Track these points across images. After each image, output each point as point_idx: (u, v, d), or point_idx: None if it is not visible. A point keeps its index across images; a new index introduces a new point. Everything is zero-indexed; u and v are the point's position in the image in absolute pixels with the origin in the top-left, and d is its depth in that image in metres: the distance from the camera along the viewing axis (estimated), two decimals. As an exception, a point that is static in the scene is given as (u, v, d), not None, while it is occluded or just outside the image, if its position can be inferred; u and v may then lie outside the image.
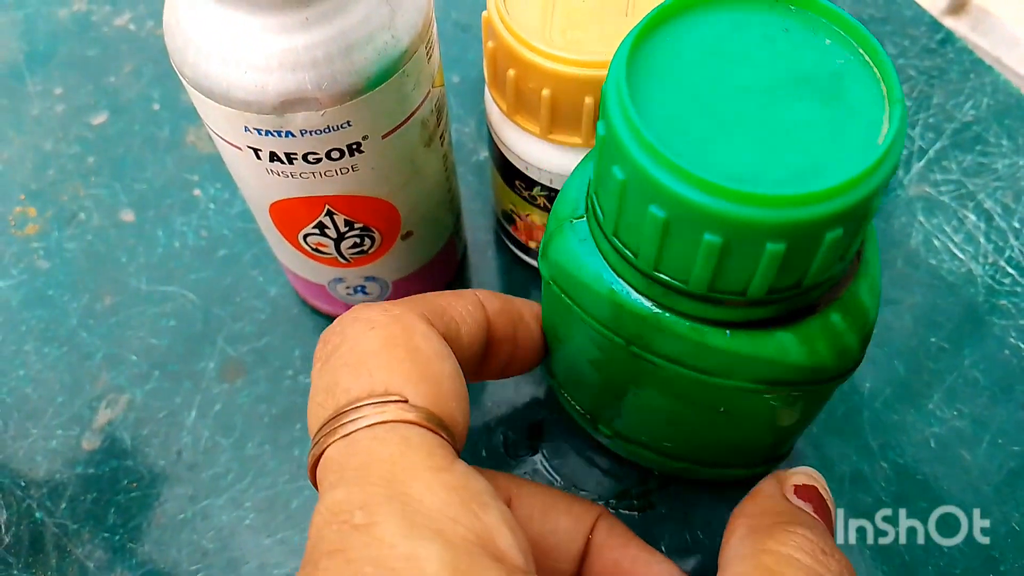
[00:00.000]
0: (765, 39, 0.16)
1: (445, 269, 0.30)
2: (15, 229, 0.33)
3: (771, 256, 0.15)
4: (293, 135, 0.20)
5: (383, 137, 0.22)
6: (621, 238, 0.17)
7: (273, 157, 0.21)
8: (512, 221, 0.30)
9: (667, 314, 0.17)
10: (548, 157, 0.25)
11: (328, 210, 0.24)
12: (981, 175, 0.33)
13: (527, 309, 0.23)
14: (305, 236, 0.25)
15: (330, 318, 0.30)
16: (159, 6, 0.21)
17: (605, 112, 0.16)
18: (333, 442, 0.16)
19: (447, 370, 0.18)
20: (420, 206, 0.26)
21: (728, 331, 0.17)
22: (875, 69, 0.16)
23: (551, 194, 0.26)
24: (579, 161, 0.25)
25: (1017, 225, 0.32)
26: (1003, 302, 0.30)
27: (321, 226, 0.24)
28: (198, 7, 0.19)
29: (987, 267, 0.31)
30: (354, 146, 0.21)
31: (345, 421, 0.17)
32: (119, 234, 0.33)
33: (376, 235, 0.25)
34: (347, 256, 0.26)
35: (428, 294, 0.20)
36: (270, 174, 0.22)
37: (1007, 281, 0.30)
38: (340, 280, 0.27)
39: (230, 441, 0.28)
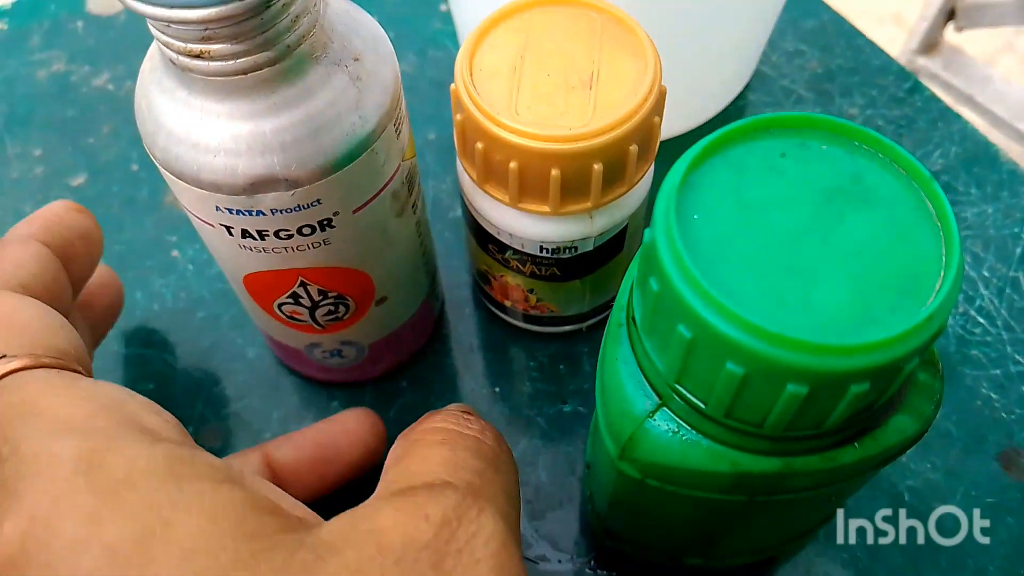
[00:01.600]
0: (814, 170, 0.16)
1: (422, 329, 0.30)
2: (-6, 293, 0.33)
3: (853, 396, 0.14)
4: (264, 214, 0.21)
5: (354, 212, 0.22)
6: (737, 416, 0.16)
7: (245, 234, 0.22)
8: (487, 281, 0.30)
9: (799, 459, 0.17)
10: (518, 224, 0.25)
11: (302, 281, 0.24)
12: (950, 224, 0.33)
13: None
14: (280, 305, 0.25)
15: (309, 380, 0.30)
16: (137, 65, 0.21)
17: (659, 269, 0.15)
18: None
19: (29, 315, 0.20)
20: (394, 273, 0.26)
21: (856, 443, 0.17)
22: (936, 219, 0.15)
23: (523, 257, 0.27)
24: (550, 231, 0.25)
25: (987, 274, 0.32)
26: (974, 352, 0.30)
27: (295, 296, 0.24)
28: (167, 93, 0.20)
29: (957, 317, 0.31)
30: (325, 222, 0.22)
31: None
32: (98, 297, 0.33)
33: (350, 302, 0.26)
34: (322, 323, 0.26)
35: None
36: (243, 249, 0.22)
37: (977, 331, 0.31)
38: (316, 345, 0.28)
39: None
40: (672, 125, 0.34)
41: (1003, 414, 0.29)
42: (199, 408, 0.30)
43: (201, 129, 0.19)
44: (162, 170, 0.21)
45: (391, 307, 0.27)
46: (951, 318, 0.31)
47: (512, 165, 0.23)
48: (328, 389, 0.30)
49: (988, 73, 0.59)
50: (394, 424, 0.27)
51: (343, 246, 0.23)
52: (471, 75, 0.24)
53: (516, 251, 0.27)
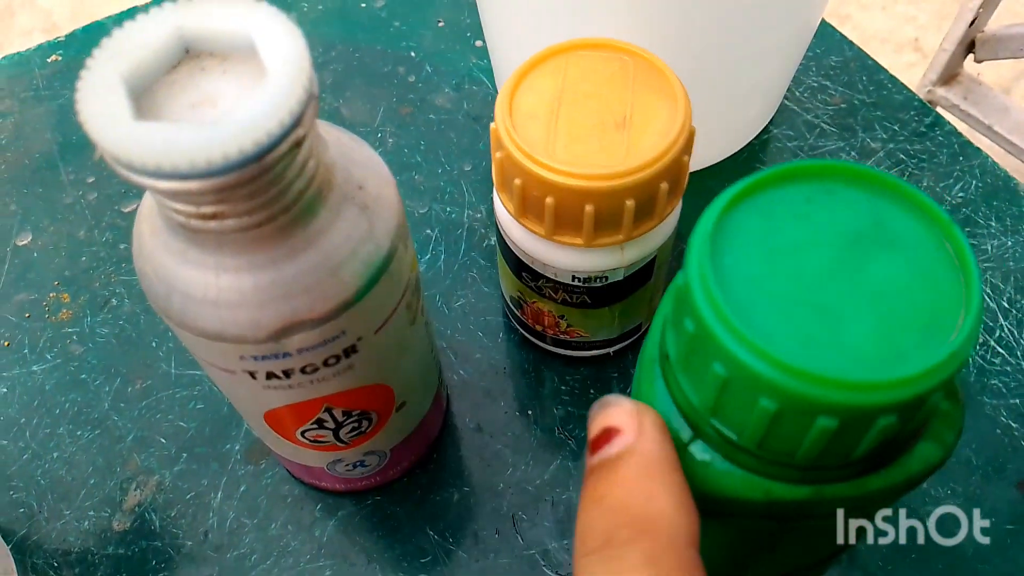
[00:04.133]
0: (839, 215, 0.17)
1: (436, 419, 0.31)
2: (49, 315, 0.35)
3: (881, 428, 0.15)
4: (290, 355, 0.20)
5: (375, 333, 0.22)
6: (770, 447, 0.17)
7: (270, 376, 0.21)
8: (520, 306, 0.31)
9: (828, 487, 0.18)
10: (552, 255, 0.27)
11: (327, 407, 0.23)
12: (970, 256, 0.34)
13: None
14: (303, 432, 0.25)
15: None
16: None
17: (694, 311, 0.16)
18: None
19: None
20: (412, 378, 0.26)
21: (883, 470, 0.18)
22: (956, 260, 0.16)
23: (555, 285, 0.28)
24: (582, 262, 0.26)
25: (1006, 305, 0.33)
26: (994, 382, 0.31)
27: (320, 421, 0.24)
28: (177, 255, 0.19)
29: (977, 347, 0.32)
30: (349, 349, 0.21)
31: None
32: (149, 320, 0.34)
33: (373, 416, 0.25)
34: (346, 440, 0.26)
35: None
36: (266, 389, 0.22)
37: (997, 361, 0.32)
38: (339, 460, 0.27)
39: (254, 522, 0.29)
40: (699, 159, 0.35)
41: (1022, 442, 0.30)
42: (244, 427, 0.31)
43: (219, 286, 0.19)
44: (177, 329, 0.20)
45: (410, 409, 0.27)
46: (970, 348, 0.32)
47: (548, 200, 0.25)
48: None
49: (1007, 103, 0.60)
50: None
51: (366, 366, 0.22)
52: (511, 116, 0.25)
53: (549, 280, 0.28)
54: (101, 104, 0.16)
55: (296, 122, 0.16)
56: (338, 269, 0.19)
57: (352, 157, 0.20)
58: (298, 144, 0.16)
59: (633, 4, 0.29)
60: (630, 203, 0.24)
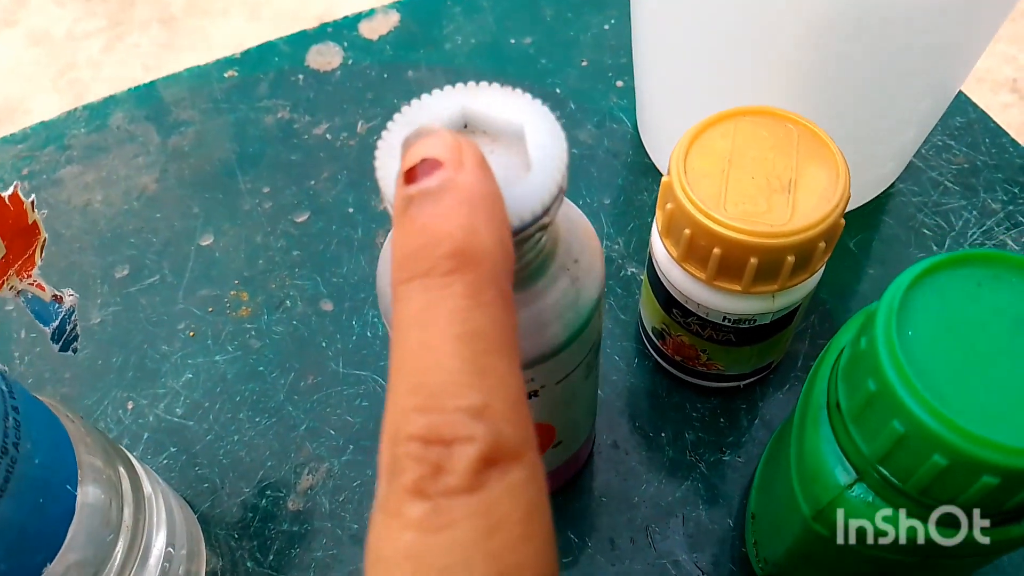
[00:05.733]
0: (1005, 299, 0.20)
1: (584, 453, 0.33)
2: (230, 311, 0.39)
3: None
4: None
5: (556, 383, 0.24)
6: (932, 496, 0.20)
7: None
8: (662, 338, 0.34)
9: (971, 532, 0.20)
10: (709, 298, 0.30)
11: None
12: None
13: None
14: None
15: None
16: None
17: (879, 373, 0.19)
18: None
19: None
20: (573, 423, 0.29)
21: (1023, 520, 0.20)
22: None
23: (703, 323, 0.31)
24: (737, 306, 0.29)
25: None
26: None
27: None
28: None
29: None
30: (532, 393, 0.24)
31: None
32: (320, 321, 0.38)
33: None
34: None
35: None
36: None
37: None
38: None
39: (413, 512, 0.33)
40: (829, 209, 0.38)
41: None
42: (404, 426, 0.35)
43: None
44: None
45: (565, 446, 0.30)
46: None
47: (716, 251, 0.28)
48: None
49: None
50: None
51: (540, 408, 0.25)
52: (685, 173, 0.28)
53: (700, 318, 0.31)
54: (393, 165, 0.19)
55: (546, 211, 0.19)
56: (544, 328, 0.22)
57: (575, 232, 0.23)
58: (543, 228, 0.19)
59: (790, 73, 0.32)
60: (790, 259, 0.27)
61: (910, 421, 0.18)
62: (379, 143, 0.19)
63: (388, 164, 0.19)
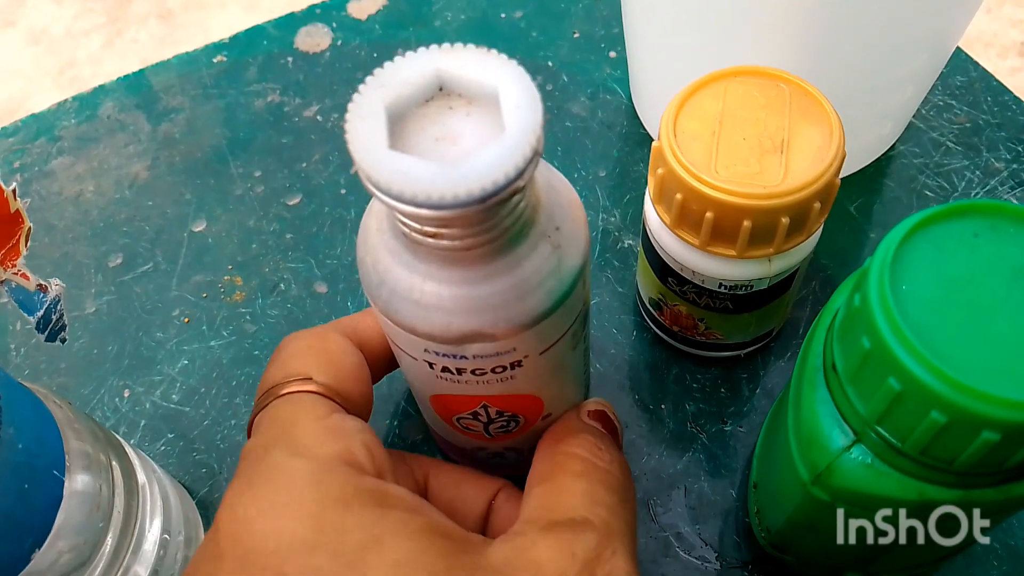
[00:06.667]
0: (1004, 250, 0.19)
1: None
2: (225, 296, 0.39)
3: None
4: (466, 358, 0.23)
5: (540, 353, 0.24)
6: (932, 455, 0.19)
7: (445, 370, 0.24)
8: (659, 308, 0.34)
9: (977, 491, 0.20)
10: (704, 264, 0.29)
11: (484, 404, 0.26)
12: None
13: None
14: (459, 419, 0.27)
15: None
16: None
17: (873, 330, 0.18)
18: (258, 412, 0.25)
19: (348, 361, 0.26)
20: (562, 394, 0.28)
21: None
22: None
23: (700, 291, 0.30)
24: (732, 271, 0.29)
25: None
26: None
27: (475, 414, 0.27)
28: (395, 255, 0.22)
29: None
30: (516, 363, 0.24)
31: (268, 399, 0.25)
32: (314, 304, 0.38)
33: (521, 419, 0.28)
34: (492, 434, 0.28)
35: (345, 317, 0.29)
36: (438, 379, 0.25)
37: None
38: (482, 449, 0.30)
39: (413, 492, 0.33)
40: (828, 173, 0.37)
41: None
42: (402, 404, 0.35)
43: (423, 289, 0.21)
44: (379, 315, 0.23)
45: (554, 419, 0.29)
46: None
47: (708, 215, 0.27)
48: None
49: None
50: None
51: (526, 379, 0.25)
52: (675, 136, 0.28)
53: (695, 286, 0.30)
54: (364, 128, 0.19)
55: (519, 175, 0.18)
56: (524, 297, 0.22)
57: (557, 200, 0.23)
58: (517, 192, 0.19)
59: (782, 33, 0.31)
60: (784, 220, 0.26)
61: (906, 378, 0.18)
62: (350, 105, 0.19)
63: (357, 127, 0.19)
